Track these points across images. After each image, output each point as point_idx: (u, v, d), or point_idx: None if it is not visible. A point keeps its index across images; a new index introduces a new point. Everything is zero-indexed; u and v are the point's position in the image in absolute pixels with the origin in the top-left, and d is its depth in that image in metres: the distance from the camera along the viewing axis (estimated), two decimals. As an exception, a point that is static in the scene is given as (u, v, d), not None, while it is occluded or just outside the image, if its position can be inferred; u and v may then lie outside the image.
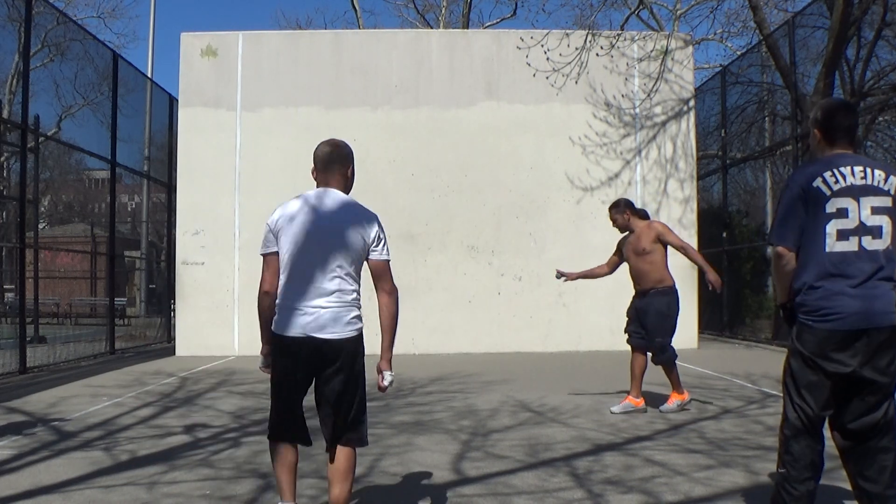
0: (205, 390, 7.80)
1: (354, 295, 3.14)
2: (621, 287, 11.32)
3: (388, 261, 3.19)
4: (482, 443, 5.11)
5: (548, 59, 11.62)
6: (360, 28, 24.79)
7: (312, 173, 3.22)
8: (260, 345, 3.23)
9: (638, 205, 12.11)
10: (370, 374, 3.19)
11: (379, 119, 12.19)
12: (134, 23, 74.11)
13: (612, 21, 39.85)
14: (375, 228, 3.14)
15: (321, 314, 3.01)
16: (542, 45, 11.63)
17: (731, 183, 15.13)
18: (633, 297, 6.38)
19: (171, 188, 14.27)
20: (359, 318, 3.16)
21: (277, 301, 3.09)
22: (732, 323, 14.17)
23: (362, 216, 3.14)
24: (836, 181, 2.84)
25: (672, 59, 12.30)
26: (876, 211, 2.82)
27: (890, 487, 2.88)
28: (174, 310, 13.05)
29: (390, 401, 6.95)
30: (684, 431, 5.46)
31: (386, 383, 3.19)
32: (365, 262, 3.18)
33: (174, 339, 12.33)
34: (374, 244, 3.13)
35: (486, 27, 25.08)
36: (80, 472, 4.36)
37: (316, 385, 3.12)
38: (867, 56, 12.13)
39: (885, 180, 2.85)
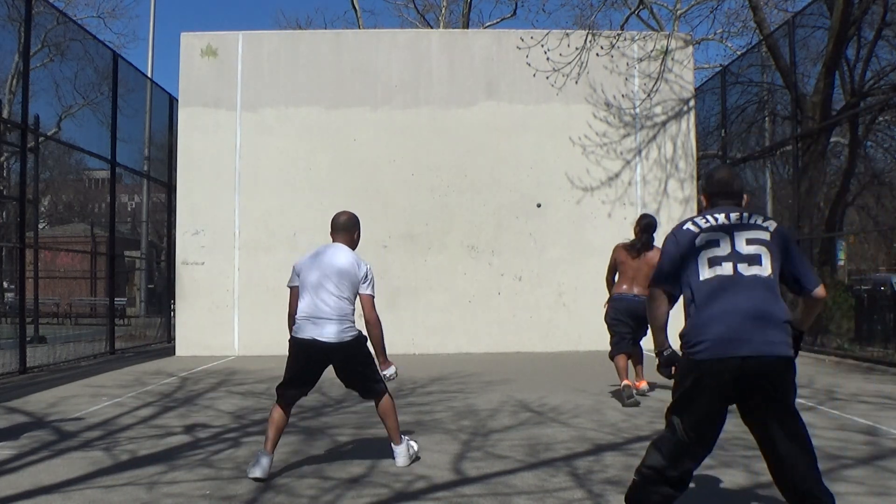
0: (205, 390, 7.80)
1: (349, 312, 4.43)
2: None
3: (372, 295, 4.51)
4: (482, 443, 5.11)
5: (548, 59, 11.62)
6: (360, 28, 24.79)
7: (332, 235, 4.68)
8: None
9: (638, 204, 12.18)
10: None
11: (379, 119, 12.19)
12: (134, 23, 74.13)
13: (612, 21, 39.86)
14: (364, 270, 4.50)
15: (326, 324, 4.33)
16: (542, 45, 11.62)
17: (731, 183, 15.09)
18: (622, 299, 6.89)
19: (171, 188, 14.27)
20: (352, 327, 4.42)
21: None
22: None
23: (357, 261, 4.52)
24: (707, 222, 3.02)
25: (672, 59, 12.30)
26: (751, 242, 2.91)
27: None
28: (174, 310, 13.05)
29: (390, 401, 6.95)
30: (684, 431, 5.45)
31: (388, 374, 4.51)
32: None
33: (174, 339, 12.32)
34: (363, 280, 4.48)
35: (486, 27, 25.08)
36: (80, 472, 4.36)
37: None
38: (867, 56, 12.13)
39: (764, 221, 2.99)
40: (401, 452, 4.46)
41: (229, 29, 12.95)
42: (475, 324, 11.90)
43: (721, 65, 19.07)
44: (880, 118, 14.25)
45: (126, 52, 43.70)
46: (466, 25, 25.08)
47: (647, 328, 6.19)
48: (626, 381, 6.60)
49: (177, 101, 13.08)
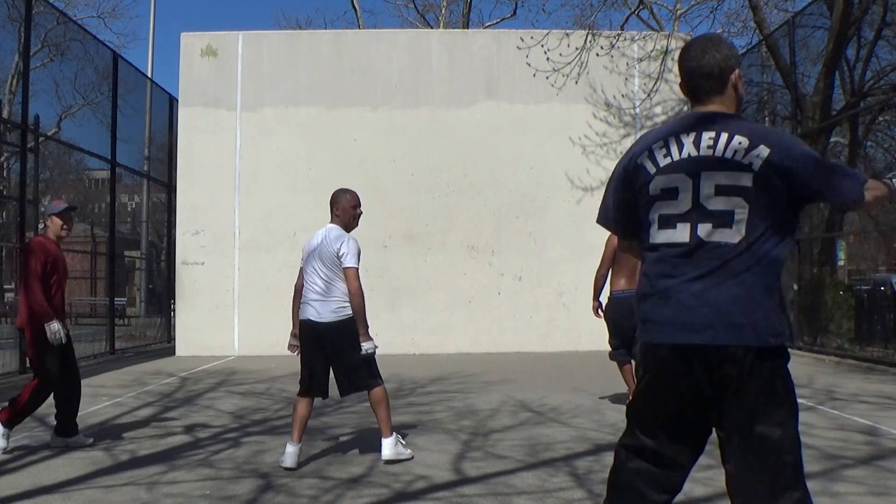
0: (205, 390, 7.80)
1: (337, 291, 4.51)
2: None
3: (351, 267, 4.53)
4: (482, 443, 5.11)
5: (548, 59, 11.62)
6: (360, 28, 24.79)
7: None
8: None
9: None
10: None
11: (379, 119, 12.19)
12: (134, 23, 74.14)
13: (612, 21, 39.89)
14: (340, 244, 4.56)
15: (315, 304, 4.51)
16: (542, 45, 11.63)
17: (731, 183, 15.10)
18: (624, 298, 6.00)
19: (171, 188, 14.27)
20: (343, 307, 4.51)
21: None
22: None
23: (335, 236, 4.62)
24: (667, 154, 2.11)
25: (672, 59, 12.28)
26: (723, 191, 2.02)
27: None
28: (174, 310, 13.05)
29: (390, 401, 6.95)
30: (684, 431, 5.44)
31: (366, 348, 4.51)
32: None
33: (174, 339, 12.33)
34: (340, 254, 4.53)
35: (486, 27, 25.08)
36: (81, 472, 4.36)
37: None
38: (867, 56, 12.14)
39: (748, 149, 2.02)
40: (387, 444, 4.50)
41: (229, 29, 12.96)
42: (475, 324, 11.90)
43: (721, 65, 19.01)
44: (880, 118, 14.25)
45: (126, 52, 43.75)
46: (466, 25, 25.09)
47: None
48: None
49: (177, 101, 13.08)
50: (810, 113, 11.58)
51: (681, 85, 2.24)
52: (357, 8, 25.91)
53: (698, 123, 2.13)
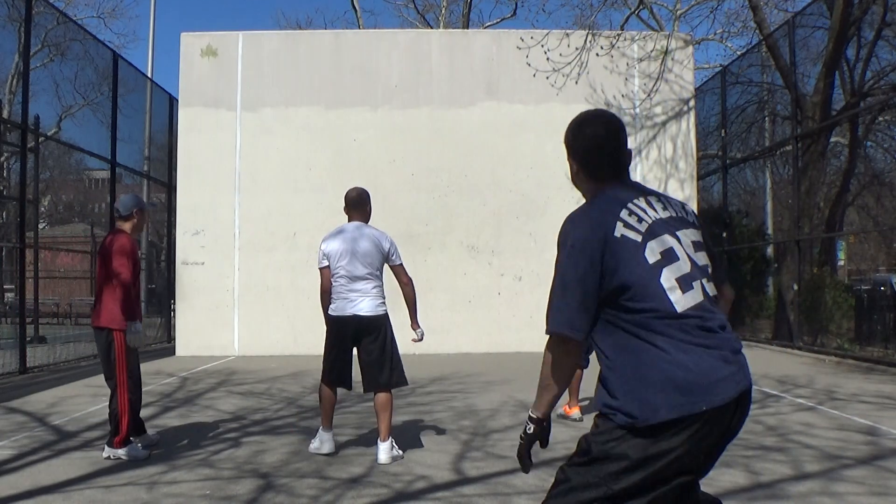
0: (205, 390, 7.80)
1: (380, 287, 4.86)
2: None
3: (402, 264, 4.93)
4: (482, 443, 5.11)
5: (548, 59, 11.62)
6: (360, 28, 24.79)
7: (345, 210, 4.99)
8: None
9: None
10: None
11: (379, 119, 12.18)
12: (134, 23, 73.99)
13: (612, 21, 39.90)
14: (389, 243, 4.84)
15: (361, 299, 4.80)
16: (542, 45, 11.63)
17: (731, 183, 15.13)
18: None
19: (171, 188, 14.26)
20: (384, 303, 4.93)
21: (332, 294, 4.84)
22: (732, 323, 14.01)
23: (382, 236, 4.84)
24: (639, 217, 2.02)
25: (672, 59, 12.30)
26: (697, 247, 2.07)
27: None
28: (174, 310, 13.05)
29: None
30: (684, 431, 5.44)
31: (418, 334, 5.17)
32: (387, 265, 4.86)
33: (174, 339, 12.32)
34: (391, 254, 4.85)
35: (486, 27, 25.08)
36: (81, 472, 4.36)
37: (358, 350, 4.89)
38: (867, 56, 12.14)
39: (682, 208, 2.15)
40: (384, 449, 4.58)
41: (229, 29, 12.95)
42: (475, 324, 11.90)
43: (721, 65, 19.08)
44: (880, 118, 14.26)
45: (126, 52, 43.73)
46: (466, 25, 25.08)
47: None
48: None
49: (177, 101, 13.07)
50: (810, 113, 11.58)
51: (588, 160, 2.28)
52: (357, 8, 25.91)
53: (636, 189, 2.15)
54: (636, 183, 2.22)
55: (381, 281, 4.81)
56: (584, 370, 6.37)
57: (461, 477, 4.24)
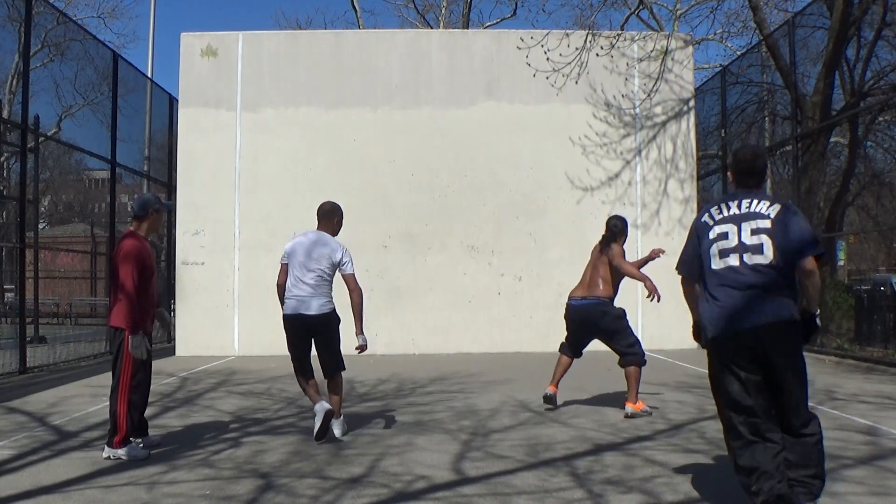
0: (205, 390, 7.80)
1: (328, 289, 5.32)
2: (622, 287, 11.31)
3: (353, 273, 5.31)
4: (482, 443, 5.11)
5: (548, 59, 11.62)
6: (360, 28, 24.79)
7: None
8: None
9: (638, 205, 12.18)
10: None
11: (379, 119, 12.19)
12: (134, 23, 73.91)
13: (612, 21, 39.90)
14: (341, 253, 5.30)
15: (310, 299, 5.27)
16: (542, 45, 11.63)
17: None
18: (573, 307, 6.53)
19: (171, 188, 14.26)
20: (330, 302, 5.33)
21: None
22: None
23: (337, 246, 5.34)
24: (720, 212, 3.45)
25: (672, 59, 12.30)
26: (756, 232, 3.30)
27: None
28: (174, 310, 13.05)
29: (390, 401, 6.96)
30: (684, 431, 5.46)
31: (360, 342, 5.21)
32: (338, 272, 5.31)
33: (174, 339, 12.32)
34: (343, 263, 5.29)
35: (486, 27, 25.09)
36: (81, 472, 4.36)
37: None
38: (867, 56, 12.14)
39: (769, 206, 3.36)
40: (340, 423, 5.30)
41: (229, 29, 12.95)
42: (475, 324, 11.90)
43: (721, 65, 19.08)
44: (880, 118, 14.26)
45: (126, 52, 43.73)
46: (466, 25, 25.09)
47: (592, 335, 6.29)
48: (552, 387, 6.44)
49: (177, 101, 13.07)
50: (810, 113, 11.58)
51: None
52: (357, 8, 25.92)
53: (742, 195, 3.50)
54: (746, 193, 3.48)
55: (330, 284, 5.32)
56: (576, 360, 6.51)
57: (461, 477, 4.24)
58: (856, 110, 12.33)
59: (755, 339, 3.23)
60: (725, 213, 3.41)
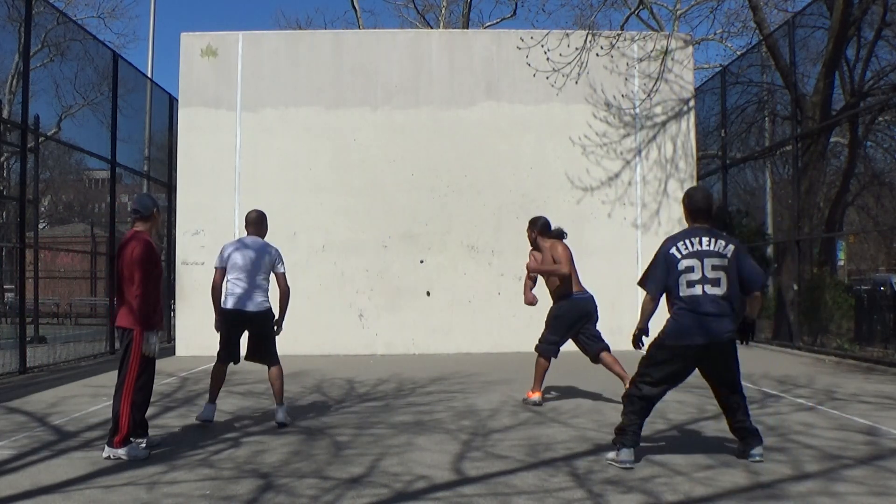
0: (205, 390, 7.78)
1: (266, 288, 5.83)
2: (622, 287, 11.34)
3: (284, 273, 5.89)
4: (482, 443, 5.11)
5: (548, 59, 11.61)
6: (360, 28, 24.79)
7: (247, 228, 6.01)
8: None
9: (638, 205, 12.18)
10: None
11: (379, 119, 12.18)
12: (134, 23, 73.91)
13: (612, 21, 39.87)
14: (276, 253, 5.93)
15: (249, 297, 5.78)
16: (542, 45, 11.62)
17: (731, 183, 15.13)
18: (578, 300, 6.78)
19: (171, 188, 14.26)
20: (267, 300, 5.83)
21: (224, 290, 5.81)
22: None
23: (270, 248, 5.94)
24: (686, 248, 4.36)
25: (672, 59, 12.29)
26: (716, 269, 4.31)
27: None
28: (174, 310, 13.05)
29: (390, 401, 6.96)
30: (684, 431, 5.46)
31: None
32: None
33: (174, 339, 12.32)
34: (276, 263, 5.88)
35: (486, 27, 25.08)
36: (81, 472, 4.36)
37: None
38: (867, 56, 12.13)
39: (725, 246, 4.36)
40: (283, 409, 5.76)
41: (229, 29, 12.95)
42: (475, 324, 11.89)
43: (721, 65, 19.08)
44: (880, 118, 14.25)
45: (126, 52, 43.73)
46: (466, 25, 25.08)
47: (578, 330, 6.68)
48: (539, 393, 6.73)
49: (177, 101, 13.07)
50: (810, 113, 11.58)
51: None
52: (357, 8, 25.91)
53: (701, 231, 4.47)
54: (705, 231, 4.44)
55: (267, 282, 5.82)
56: (553, 360, 6.62)
57: (461, 477, 4.24)
58: (856, 110, 12.33)
59: (707, 348, 4.33)
60: (691, 249, 4.32)
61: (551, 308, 6.82)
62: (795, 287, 11.65)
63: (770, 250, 15.03)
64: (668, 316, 4.46)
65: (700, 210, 4.49)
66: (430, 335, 11.85)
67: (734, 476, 4.16)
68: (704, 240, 4.33)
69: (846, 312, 11.22)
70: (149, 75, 16.97)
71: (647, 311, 4.47)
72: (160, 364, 10.39)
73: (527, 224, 6.99)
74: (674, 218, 12.13)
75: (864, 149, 14.84)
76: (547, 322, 6.80)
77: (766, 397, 6.97)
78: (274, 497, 3.86)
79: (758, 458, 4.43)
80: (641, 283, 4.51)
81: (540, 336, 6.82)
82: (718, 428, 5.52)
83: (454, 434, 5.40)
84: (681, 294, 4.31)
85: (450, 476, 4.25)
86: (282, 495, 3.89)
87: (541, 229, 6.85)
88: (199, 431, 5.59)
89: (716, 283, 4.29)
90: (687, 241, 4.35)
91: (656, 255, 4.44)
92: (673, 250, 4.35)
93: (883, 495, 3.79)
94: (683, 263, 4.31)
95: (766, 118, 14.73)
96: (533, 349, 6.94)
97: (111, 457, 4.65)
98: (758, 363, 9.79)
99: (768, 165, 17.02)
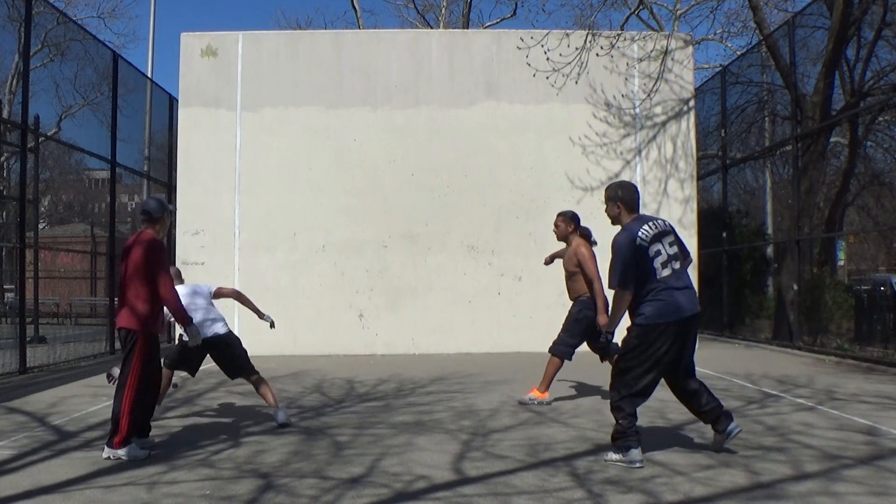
0: (205, 390, 7.80)
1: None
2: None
3: (218, 287, 6.33)
4: (482, 443, 5.11)
5: (548, 59, 11.61)
6: (360, 28, 24.79)
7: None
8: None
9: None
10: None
11: (379, 119, 12.18)
12: (134, 23, 74.00)
13: (612, 21, 39.87)
14: (208, 288, 6.25)
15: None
16: (542, 45, 11.62)
17: (731, 183, 15.13)
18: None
19: (171, 188, 14.26)
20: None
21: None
22: (732, 323, 14.18)
23: (205, 288, 6.33)
24: (646, 234, 4.52)
25: (672, 59, 12.29)
26: (672, 245, 4.59)
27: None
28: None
29: (390, 401, 6.96)
30: (684, 431, 5.46)
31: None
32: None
33: (174, 339, 12.31)
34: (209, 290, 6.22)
35: (486, 27, 25.08)
36: (81, 472, 4.36)
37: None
38: (867, 56, 12.12)
39: (665, 224, 4.66)
40: (282, 411, 5.79)
41: (229, 29, 12.95)
42: (475, 324, 11.90)
43: (721, 65, 19.07)
44: (880, 118, 14.25)
45: (126, 52, 43.74)
46: (466, 25, 25.08)
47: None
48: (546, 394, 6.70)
49: (177, 101, 13.07)
50: (810, 113, 11.58)
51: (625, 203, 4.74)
52: (357, 8, 25.91)
53: (646, 218, 4.69)
54: (648, 217, 4.68)
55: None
56: (568, 362, 6.59)
57: (461, 477, 4.24)
58: (856, 110, 12.32)
59: (689, 321, 4.49)
60: (650, 233, 4.51)
61: (571, 310, 6.67)
62: (795, 287, 11.65)
63: (770, 250, 15.03)
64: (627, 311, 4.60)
65: (635, 201, 4.74)
66: (430, 335, 11.85)
67: (734, 476, 4.16)
68: (650, 224, 4.56)
69: (846, 312, 11.22)
70: (149, 75, 16.98)
71: (623, 308, 4.53)
72: (160, 364, 10.42)
73: (556, 217, 6.75)
74: (674, 218, 12.12)
75: (864, 149, 14.83)
76: (566, 324, 6.65)
77: (766, 397, 6.97)
78: (274, 497, 3.86)
79: (738, 430, 4.60)
80: (612, 283, 4.51)
81: (556, 338, 6.69)
82: (718, 428, 5.52)
83: (454, 434, 5.40)
84: (658, 277, 4.45)
85: (450, 476, 4.25)
86: (282, 495, 3.89)
87: (577, 225, 6.72)
88: (199, 431, 5.59)
89: (675, 258, 4.54)
90: (643, 229, 4.51)
91: (619, 251, 4.50)
92: (639, 241, 4.47)
93: (883, 495, 3.79)
94: (652, 249, 4.47)
95: (766, 118, 14.73)
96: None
97: (111, 457, 4.65)
98: (758, 363, 9.80)
99: (768, 165, 17.02)
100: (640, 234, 4.47)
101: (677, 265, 4.52)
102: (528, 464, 4.50)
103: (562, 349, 6.62)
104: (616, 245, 4.53)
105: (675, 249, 4.55)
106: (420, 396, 7.26)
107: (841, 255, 21.91)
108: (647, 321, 4.43)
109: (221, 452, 4.87)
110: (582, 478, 4.18)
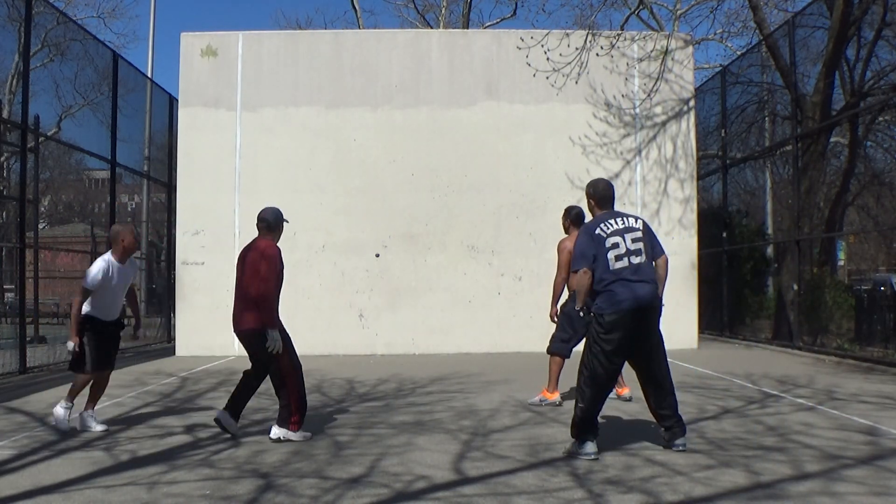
0: (205, 390, 7.80)
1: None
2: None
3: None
4: (482, 443, 5.11)
5: (548, 59, 11.61)
6: (360, 28, 24.79)
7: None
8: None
9: (638, 204, 12.18)
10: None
11: (379, 119, 12.18)
12: (134, 23, 73.93)
13: (612, 21, 39.83)
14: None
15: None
16: (542, 45, 11.62)
17: (731, 183, 15.13)
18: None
19: (171, 188, 14.26)
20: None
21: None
22: (732, 323, 14.18)
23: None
24: (609, 227, 4.77)
25: (672, 59, 12.29)
26: (635, 241, 4.75)
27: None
28: (174, 310, 13.05)
29: (390, 401, 6.96)
30: (684, 431, 5.45)
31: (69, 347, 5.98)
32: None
33: (174, 339, 12.33)
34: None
35: (486, 27, 25.08)
36: (81, 472, 4.36)
37: None
38: (867, 56, 12.12)
39: (636, 221, 4.87)
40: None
41: (229, 29, 12.95)
42: (475, 324, 11.90)
43: (721, 65, 19.08)
44: (880, 118, 14.25)
45: (126, 53, 43.71)
46: (466, 25, 25.08)
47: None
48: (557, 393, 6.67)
49: (177, 101, 13.07)
50: (810, 113, 11.58)
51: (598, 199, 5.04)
52: (357, 8, 25.91)
53: (613, 214, 4.95)
54: (616, 213, 4.96)
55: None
56: (566, 360, 6.57)
57: (461, 477, 4.24)
58: (856, 110, 12.32)
59: (641, 311, 4.62)
60: (613, 228, 4.76)
61: (562, 307, 6.69)
62: (795, 287, 11.65)
63: (770, 250, 15.03)
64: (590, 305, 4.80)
65: (606, 198, 4.99)
66: (430, 335, 11.85)
67: (734, 476, 4.16)
68: (619, 220, 4.82)
69: (846, 312, 11.22)
70: (149, 75, 16.98)
71: (584, 286, 4.73)
72: (160, 364, 10.45)
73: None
74: (674, 218, 12.13)
75: (864, 149, 14.83)
76: (559, 322, 6.68)
77: (766, 397, 6.97)
78: (274, 497, 3.86)
79: (683, 448, 4.74)
80: (572, 267, 4.85)
81: (551, 336, 6.69)
82: (718, 428, 5.53)
83: (454, 434, 5.40)
84: (611, 268, 4.66)
85: (450, 476, 4.25)
86: (282, 495, 3.89)
87: (573, 219, 6.81)
88: (199, 431, 5.59)
89: (638, 253, 4.72)
90: (606, 223, 4.78)
91: (580, 240, 4.81)
92: (598, 231, 4.74)
93: (883, 495, 3.79)
94: (610, 240, 4.70)
95: (766, 118, 14.73)
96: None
97: (281, 438, 5.11)
98: (758, 363, 9.80)
99: (768, 165, 17.02)
100: (601, 225, 4.76)
101: (637, 260, 4.68)
102: (529, 464, 4.50)
103: (556, 346, 6.64)
104: (578, 234, 4.95)
105: (638, 245, 4.72)
106: (420, 396, 7.26)
107: (841, 255, 21.91)
108: (598, 311, 4.68)
109: (221, 452, 4.87)
110: (582, 478, 4.18)
